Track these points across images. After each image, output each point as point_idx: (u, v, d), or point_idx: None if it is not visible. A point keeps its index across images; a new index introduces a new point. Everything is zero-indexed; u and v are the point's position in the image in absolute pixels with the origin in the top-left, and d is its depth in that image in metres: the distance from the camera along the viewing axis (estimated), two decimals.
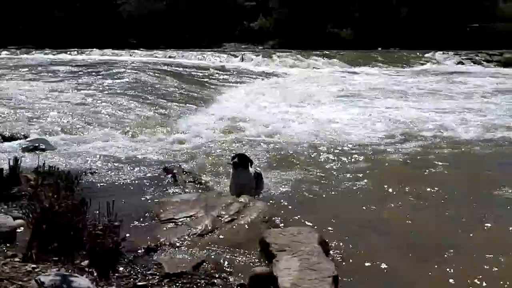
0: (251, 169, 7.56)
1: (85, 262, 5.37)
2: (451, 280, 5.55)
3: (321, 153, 10.55)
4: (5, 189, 7.07)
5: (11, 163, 7.36)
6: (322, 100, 17.54)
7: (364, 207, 7.56)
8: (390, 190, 8.28)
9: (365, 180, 8.74)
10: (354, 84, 23.01)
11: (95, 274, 5.21)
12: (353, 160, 10.18)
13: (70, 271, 5.00)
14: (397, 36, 41.73)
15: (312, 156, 10.42)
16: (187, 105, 15.95)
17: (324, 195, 8.05)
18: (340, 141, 11.74)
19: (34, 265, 5.16)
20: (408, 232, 6.77)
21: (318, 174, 9.18)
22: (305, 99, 17.72)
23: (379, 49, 40.25)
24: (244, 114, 14.51)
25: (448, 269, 5.72)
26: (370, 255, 6.05)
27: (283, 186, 8.45)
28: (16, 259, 5.36)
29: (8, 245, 5.76)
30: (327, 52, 35.83)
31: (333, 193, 8.16)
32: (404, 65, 33.11)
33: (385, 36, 42.20)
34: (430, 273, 5.73)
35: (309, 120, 14.13)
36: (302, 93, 19.15)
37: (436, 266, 5.84)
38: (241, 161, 7.42)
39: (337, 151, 10.80)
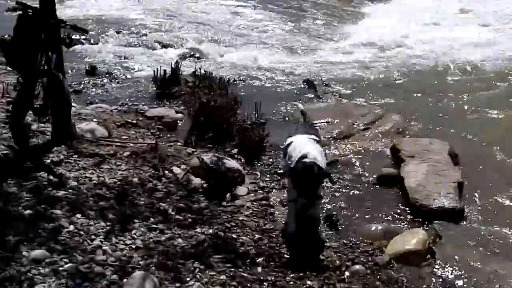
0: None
1: (235, 151, 6.25)
2: None
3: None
4: (167, 88, 8.15)
5: (173, 66, 8.38)
6: None
7: (496, 131, 7.41)
8: None
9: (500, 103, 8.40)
10: None
11: (242, 160, 6.07)
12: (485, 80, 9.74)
13: (223, 156, 5.88)
14: None
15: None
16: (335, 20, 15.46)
17: (457, 115, 8.01)
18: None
19: (193, 149, 6.12)
20: None
21: (449, 95, 8.99)
22: None
23: None
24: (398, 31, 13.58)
25: None
26: (496, 171, 6.19)
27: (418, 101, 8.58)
28: (178, 144, 6.37)
29: (171, 132, 6.84)
30: None
31: (468, 114, 8.05)
32: None
33: None
34: None
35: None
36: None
37: None
38: None
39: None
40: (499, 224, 5.11)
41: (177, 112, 7.42)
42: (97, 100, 7.72)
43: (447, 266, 4.33)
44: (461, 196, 5.48)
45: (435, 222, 4.99)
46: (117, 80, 8.86)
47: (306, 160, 4.23)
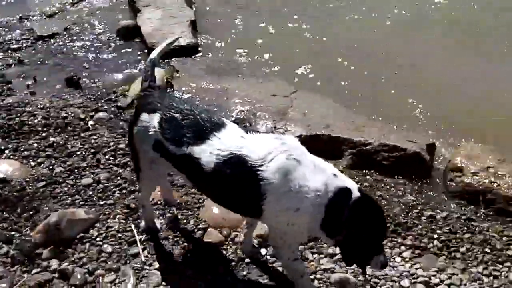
0: None
1: None
2: None
3: None
4: None
5: None
6: None
7: None
8: None
9: None
10: None
11: None
12: None
13: None
14: None
15: None
16: None
17: None
18: None
19: None
20: None
21: None
22: None
23: None
24: None
25: None
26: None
27: None
28: None
29: None
30: None
31: None
32: None
33: None
34: None
35: None
36: None
37: None
38: None
39: None
40: (231, 53, 5.65)
41: None
42: None
43: (183, 92, 4.70)
44: (196, 32, 5.84)
45: (173, 59, 5.28)
46: None
47: None
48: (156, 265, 3.05)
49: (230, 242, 3.21)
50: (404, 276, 3.05)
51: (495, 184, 3.64)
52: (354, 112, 4.58)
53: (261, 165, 2.47)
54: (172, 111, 2.71)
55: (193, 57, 5.42)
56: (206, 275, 2.98)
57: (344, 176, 2.58)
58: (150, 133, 2.71)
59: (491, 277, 3.04)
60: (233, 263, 3.08)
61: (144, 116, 2.75)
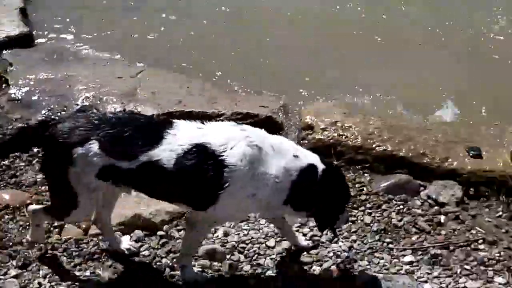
0: None
1: None
2: None
3: None
4: None
5: None
6: None
7: None
8: None
9: None
10: None
11: None
12: None
13: None
14: None
15: None
16: None
17: None
18: None
19: None
20: None
21: None
22: None
23: None
24: None
25: None
26: None
27: None
28: None
29: None
30: None
31: None
32: None
33: None
34: None
35: None
36: None
37: None
38: None
39: None
40: (70, 39, 5.36)
41: None
42: None
43: (21, 86, 4.33)
44: (28, 21, 5.42)
45: (4, 52, 4.84)
46: None
47: None
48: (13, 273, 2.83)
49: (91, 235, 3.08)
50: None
51: (343, 137, 3.85)
52: (208, 87, 4.56)
53: (224, 151, 2.43)
54: (108, 129, 2.44)
55: (28, 46, 5.01)
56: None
57: (306, 152, 2.65)
58: (94, 163, 2.41)
59: (349, 223, 3.21)
60: (96, 256, 2.95)
61: (79, 150, 2.41)
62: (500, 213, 3.41)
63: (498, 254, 3.06)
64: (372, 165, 3.73)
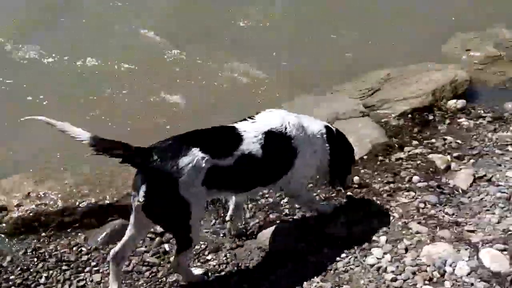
0: None
1: None
2: None
3: None
4: None
5: None
6: None
7: None
8: None
9: None
10: None
11: None
12: None
13: None
14: None
15: None
16: None
17: None
18: None
19: None
20: None
21: None
22: None
23: None
24: None
25: None
26: None
27: None
28: None
29: None
30: None
31: None
32: None
33: None
34: None
35: None
36: None
37: None
38: None
39: None
40: None
41: None
42: None
43: None
44: None
45: None
46: None
47: None
48: None
49: None
50: None
51: (43, 205, 3.65)
52: None
53: (286, 128, 3.03)
54: (202, 137, 2.80)
55: None
56: None
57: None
58: (202, 166, 2.68)
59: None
60: None
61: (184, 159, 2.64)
62: None
63: None
64: (83, 223, 3.60)
